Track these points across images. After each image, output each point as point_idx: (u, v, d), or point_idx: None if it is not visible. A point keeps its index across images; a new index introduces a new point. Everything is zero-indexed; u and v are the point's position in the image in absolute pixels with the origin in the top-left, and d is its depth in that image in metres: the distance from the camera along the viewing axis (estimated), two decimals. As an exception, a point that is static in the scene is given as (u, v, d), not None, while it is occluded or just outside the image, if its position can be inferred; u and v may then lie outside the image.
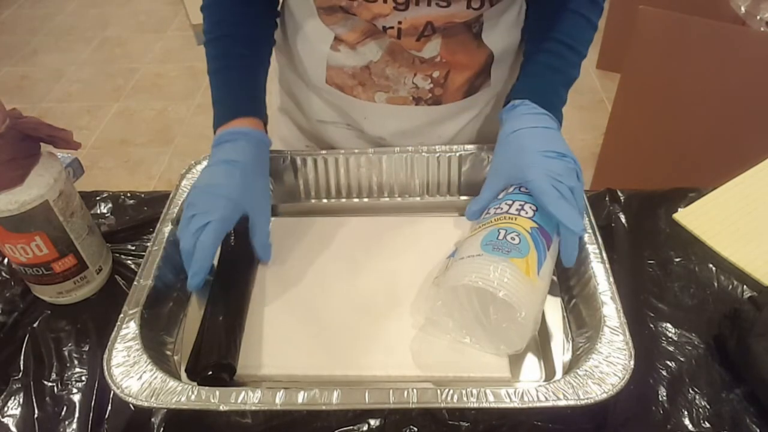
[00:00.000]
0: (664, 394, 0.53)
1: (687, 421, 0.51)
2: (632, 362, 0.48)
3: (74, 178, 0.84)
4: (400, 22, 0.62)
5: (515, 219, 0.53)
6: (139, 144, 2.20)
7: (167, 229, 0.61)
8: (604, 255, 0.57)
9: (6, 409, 0.55)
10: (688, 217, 0.70)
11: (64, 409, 0.54)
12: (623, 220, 0.70)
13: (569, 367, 0.52)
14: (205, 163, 0.69)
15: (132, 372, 0.49)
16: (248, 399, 0.46)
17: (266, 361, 0.53)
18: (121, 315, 0.53)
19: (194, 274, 0.54)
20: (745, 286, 0.62)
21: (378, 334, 0.55)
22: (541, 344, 0.56)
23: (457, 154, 0.69)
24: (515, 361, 0.53)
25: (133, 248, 0.70)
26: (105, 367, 0.49)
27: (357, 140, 0.77)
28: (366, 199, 0.72)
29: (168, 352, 0.55)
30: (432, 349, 0.54)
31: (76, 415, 0.54)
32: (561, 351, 0.55)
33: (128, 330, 0.52)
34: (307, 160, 0.70)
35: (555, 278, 0.61)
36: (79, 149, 0.60)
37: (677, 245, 0.67)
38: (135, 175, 2.06)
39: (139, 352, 0.50)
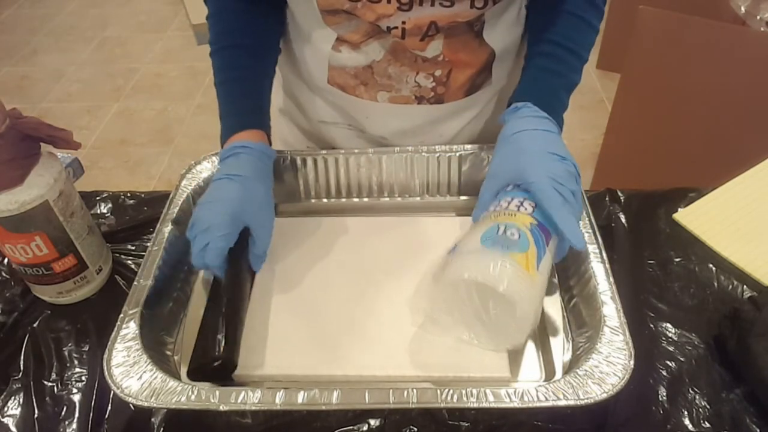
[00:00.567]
0: (664, 394, 0.53)
1: (687, 421, 0.51)
2: (632, 362, 0.48)
3: (74, 178, 0.84)
4: (404, 23, 0.62)
5: (514, 215, 0.52)
6: (139, 144, 2.20)
7: (167, 229, 0.61)
8: (604, 255, 0.57)
9: (6, 409, 0.55)
10: (688, 217, 0.70)
11: (64, 409, 0.54)
12: (623, 220, 0.70)
13: (569, 367, 0.52)
14: (205, 163, 0.70)
15: (132, 372, 0.49)
16: (248, 399, 0.46)
17: (266, 361, 0.53)
18: (121, 315, 0.53)
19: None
20: (745, 286, 0.62)
21: (378, 334, 0.55)
22: (541, 344, 0.56)
23: (457, 154, 0.69)
24: (515, 361, 0.53)
25: (133, 248, 0.70)
26: (105, 367, 0.49)
27: (358, 140, 0.77)
28: (366, 199, 0.72)
29: (168, 352, 0.55)
30: (432, 349, 0.54)
31: (76, 415, 0.54)
32: (561, 351, 0.55)
33: (128, 330, 0.52)
34: (307, 160, 0.70)
35: (555, 278, 0.61)
36: (79, 149, 0.60)
37: (677, 245, 0.67)
38: (135, 175, 2.06)
39: (139, 352, 0.50)
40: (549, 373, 0.53)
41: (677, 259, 0.66)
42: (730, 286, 0.63)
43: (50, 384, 0.56)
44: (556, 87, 0.63)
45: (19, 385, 0.56)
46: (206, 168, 0.69)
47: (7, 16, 3.08)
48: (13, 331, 0.61)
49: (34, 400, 0.55)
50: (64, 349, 0.59)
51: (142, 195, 0.77)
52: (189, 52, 2.71)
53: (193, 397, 0.47)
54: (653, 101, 1.43)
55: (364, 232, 0.65)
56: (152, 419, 0.53)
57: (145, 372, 0.49)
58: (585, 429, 0.51)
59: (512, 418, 0.51)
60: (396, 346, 0.54)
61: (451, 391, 0.46)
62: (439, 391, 0.46)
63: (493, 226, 0.51)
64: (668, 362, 0.56)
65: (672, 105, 1.39)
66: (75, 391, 0.56)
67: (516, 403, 0.46)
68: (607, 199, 0.73)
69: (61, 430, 0.53)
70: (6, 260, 0.68)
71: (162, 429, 0.52)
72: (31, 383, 0.56)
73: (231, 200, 0.56)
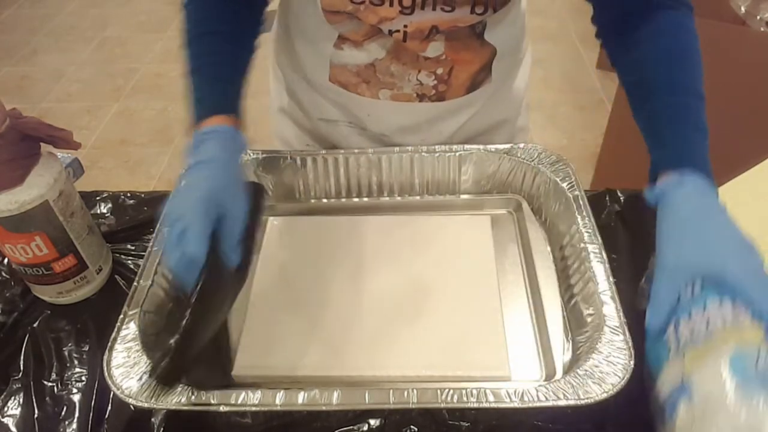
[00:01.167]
0: (664, 394, 0.53)
1: (687, 421, 0.51)
2: (632, 362, 0.48)
3: (74, 178, 0.84)
4: (405, 26, 0.62)
5: (744, 332, 0.40)
6: (139, 144, 2.20)
7: (167, 229, 0.61)
8: (604, 255, 0.57)
9: (6, 409, 0.55)
10: (688, 217, 0.70)
11: (64, 409, 0.54)
12: (623, 220, 0.70)
13: (569, 367, 0.52)
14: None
15: (132, 373, 0.49)
16: (248, 400, 0.46)
17: (266, 361, 0.54)
18: (121, 316, 0.53)
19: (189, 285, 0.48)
20: (745, 286, 0.62)
21: (378, 334, 0.55)
22: (541, 344, 0.56)
23: (457, 153, 0.69)
24: (515, 361, 0.53)
25: (133, 248, 0.70)
26: (105, 368, 0.49)
27: (359, 137, 0.77)
28: (366, 199, 0.72)
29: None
30: (432, 349, 0.54)
31: (76, 415, 0.54)
32: (561, 351, 0.55)
33: (128, 331, 0.52)
34: (307, 159, 0.70)
35: (555, 278, 0.61)
36: (79, 149, 0.60)
37: (677, 245, 0.67)
38: (135, 175, 2.06)
39: (139, 353, 0.50)
40: (549, 373, 0.53)
41: (677, 259, 0.66)
42: (730, 286, 0.63)
43: (50, 384, 0.56)
44: (704, 147, 0.54)
45: (19, 385, 0.56)
46: (206, 168, 0.69)
47: (7, 16, 3.08)
48: (13, 331, 0.61)
49: (34, 400, 0.55)
50: (64, 349, 0.59)
51: (142, 195, 0.77)
52: (189, 52, 2.70)
53: (193, 398, 0.47)
54: (653, 101, 1.42)
55: (364, 231, 0.65)
56: (152, 419, 0.53)
57: (145, 373, 0.49)
58: (585, 429, 0.51)
59: (512, 418, 0.51)
60: (396, 346, 0.54)
61: (452, 391, 0.46)
62: (439, 392, 0.46)
63: (736, 352, 0.38)
64: (668, 362, 0.56)
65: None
66: (75, 391, 0.56)
67: (516, 403, 0.46)
68: (607, 199, 0.73)
69: (61, 430, 0.53)
70: (6, 260, 0.68)
71: (162, 429, 0.52)
72: (31, 383, 0.56)
73: (202, 187, 0.50)
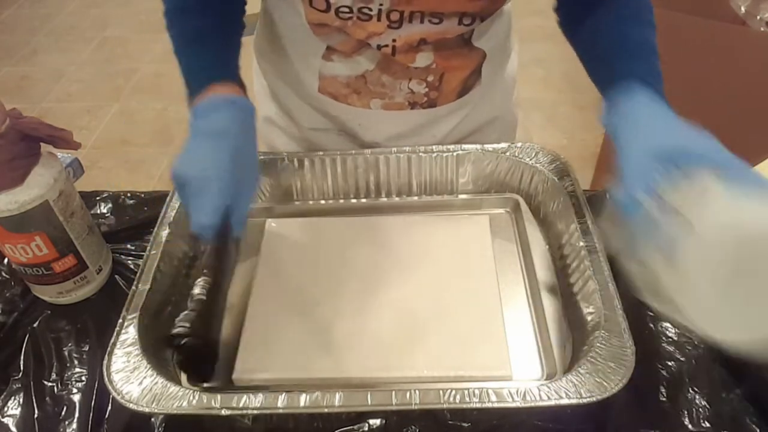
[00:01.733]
0: (664, 394, 0.53)
1: (687, 421, 0.51)
2: (633, 361, 0.48)
3: (74, 178, 0.84)
4: (394, 40, 0.62)
5: None
6: (139, 144, 2.20)
7: (165, 232, 0.61)
8: (604, 254, 0.57)
9: (6, 409, 0.55)
10: (688, 217, 0.70)
11: (64, 409, 0.54)
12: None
13: (570, 366, 0.52)
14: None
15: (132, 377, 0.49)
16: (250, 402, 0.46)
17: (266, 364, 0.53)
18: (120, 320, 0.53)
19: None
20: (745, 286, 0.62)
21: (378, 335, 0.55)
22: (541, 343, 0.56)
23: (455, 153, 0.69)
24: (516, 361, 0.53)
25: (133, 248, 0.70)
26: (105, 373, 0.49)
27: (350, 145, 0.76)
28: (364, 200, 0.72)
29: (168, 357, 0.55)
30: (432, 350, 0.54)
31: (76, 415, 0.54)
32: (562, 350, 0.55)
33: (127, 335, 0.52)
34: (304, 161, 0.70)
35: (554, 277, 0.61)
36: (79, 149, 0.60)
37: (677, 245, 0.67)
38: (135, 175, 2.06)
39: (139, 357, 0.50)
40: (550, 373, 0.53)
41: (677, 259, 0.66)
42: (730, 286, 0.63)
43: (50, 384, 0.56)
44: (657, 65, 0.57)
45: (19, 385, 0.56)
46: (206, 168, 0.69)
47: (7, 16, 3.08)
48: (13, 331, 0.61)
49: (34, 400, 0.55)
50: (64, 349, 0.59)
51: (142, 195, 0.77)
52: (189, 52, 2.70)
53: (194, 401, 0.47)
54: (653, 101, 1.42)
55: (363, 232, 0.65)
56: (152, 419, 0.53)
57: (145, 377, 0.49)
58: (585, 429, 0.51)
59: (513, 418, 0.51)
60: (396, 347, 0.54)
61: (454, 392, 0.46)
62: (441, 392, 0.46)
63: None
64: (668, 362, 0.56)
65: (672, 105, 1.39)
66: (75, 391, 0.56)
67: (518, 403, 0.46)
68: (607, 199, 0.73)
69: (61, 430, 0.53)
70: (6, 260, 0.68)
71: (162, 430, 0.52)
72: (31, 383, 0.56)
73: (223, 168, 0.50)
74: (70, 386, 0.56)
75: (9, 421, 0.54)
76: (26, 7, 3.16)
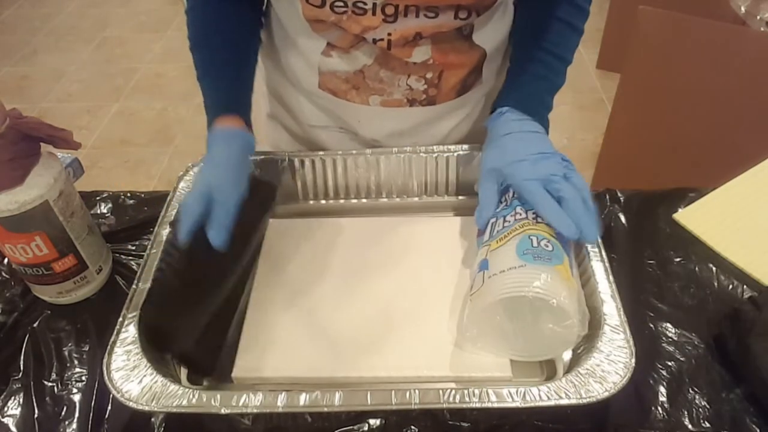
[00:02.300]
0: (664, 393, 0.53)
1: (687, 421, 0.51)
2: (633, 360, 0.48)
3: (74, 178, 0.84)
4: (389, 34, 0.62)
5: (537, 225, 0.53)
6: (139, 144, 2.20)
7: (165, 231, 0.61)
8: (604, 254, 0.57)
9: (6, 409, 0.55)
10: (688, 217, 0.70)
11: (64, 409, 0.54)
12: (623, 220, 0.70)
13: (570, 366, 0.52)
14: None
15: (132, 376, 0.49)
16: (250, 401, 0.46)
17: (266, 363, 0.53)
18: (120, 319, 0.53)
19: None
20: (745, 286, 0.62)
21: (378, 335, 0.55)
22: (541, 344, 0.56)
23: (455, 154, 0.69)
24: (516, 362, 0.53)
25: (133, 248, 0.70)
26: (105, 372, 0.49)
27: (350, 143, 0.76)
28: (364, 200, 0.72)
29: (167, 356, 0.55)
30: (432, 350, 0.54)
31: (76, 415, 0.54)
32: (561, 351, 0.55)
33: (127, 334, 0.52)
34: (305, 161, 0.70)
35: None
36: (79, 149, 0.60)
37: (677, 245, 0.67)
38: (135, 175, 2.06)
39: (139, 356, 0.50)
40: (550, 373, 0.53)
41: (677, 259, 0.66)
42: (730, 286, 0.63)
43: (50, 384, 0.56)
44: (541, 91, 0.65)
45: (19, 385, 0.56)
46: (206, 168, 0.69)
47: (7, 16, 3.08)
48: (13, 331, 0.61)
49: (34, 400, 0.55)
50: (64, 349, 0.59)
51: (142, 195, 0.77)
52: (189, 52, 2.70)
53: (194, 400, 0.47)
54: (653, 101, 1.42)
55: (363, 233, 0.65)
56: (152, 419, 0.53)
57: (145, 376, 0.49)
58: (585, 429, 0.51)
59: (513, 418, 0.51)
60: (396, 347, 0.54)
61: (454, 392, 0.46)
62: (441, 392, 0.46)
63: (524, 238, 0.51)
64: (668, 362, 0.56)
65: (672, 105, 1.39)
66: (75, 391, 0.56)
67: (518, 403, 0.46)
68: (607, 199, 0.73)
69: (61, 430, 0.53)
70: (6, 260, 0.68)
71: (162, 429, 0.52)
72: (31, 383, 0.56)
73: (200, 182, 0.55)
74: (70, 386, 0.56)
75: (9, 421, 0.54)
76: (26, 7, 3.16)
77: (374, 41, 0.63)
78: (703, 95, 1.31)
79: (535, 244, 0.51)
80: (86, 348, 0.59)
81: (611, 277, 0.54)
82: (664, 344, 0.57)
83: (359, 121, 0.73)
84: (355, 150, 0.69)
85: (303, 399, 0.46)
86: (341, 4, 0.59)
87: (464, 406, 0.46)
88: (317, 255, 0.63)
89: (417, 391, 0.46)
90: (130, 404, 0.47)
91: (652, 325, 0.59)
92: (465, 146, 0.69)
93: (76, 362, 0.58)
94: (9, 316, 0.62)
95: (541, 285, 0.47)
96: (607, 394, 0.46)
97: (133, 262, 0.68)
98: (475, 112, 0.75)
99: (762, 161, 0.76)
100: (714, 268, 0.65)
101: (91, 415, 0.54)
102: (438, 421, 0.52)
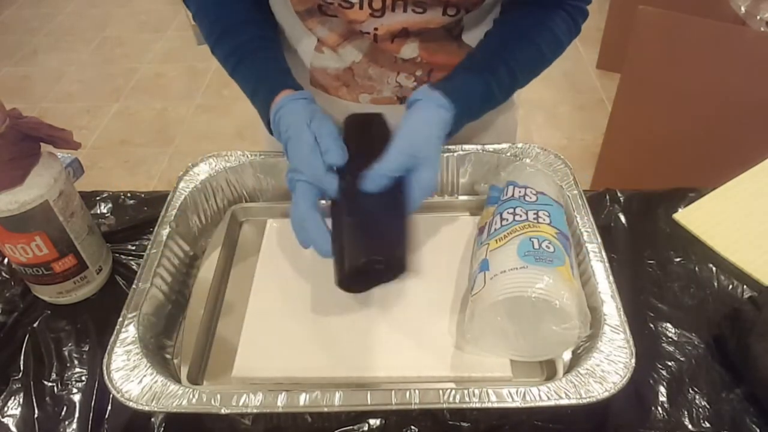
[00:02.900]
0: (664, 394, 0.53)
1: (687, 421, 0.51)
2: (633, 360, 0.48)
3: (74, 178, 0.84)
4: (376, 29, 0.62)
5: (538, 226, 0.53)
6: (139, 144, 2.20)
7: (165, 231, 0.61)
8: (604, 254, 0.57)
9: (6, 409, 0.55)
10: (688, 217, 0.70)
11: (64, 409, 0.54)
12: (623, 220, 0.70)
13: (570, 367, 0.52)
14: (202, 165, 0.69)
15: (132, 376, 0.49)
16: (250, 401, 0.46)
17: (266, 363, 0.53)
18: (120, 319, 0.53)
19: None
20: (745, 286, 0.62)
21: (378, 335, 0.55)
22: (541, 344, 0.56)
23: (455, 154, 0.69)
24: (516, 361, 0.53)
25: (133, 248, 0.70)
26: (105, 372, 0.49)
27: None
28: (366, 199, 0.72)
29: (167, 356, 0.55)
30: (432, 350, 0.54)
31: (76, 415, 0.54)
32: (561, 351, 0.55)
33: (127, 334, 0.52)
34: (307, 160, 0.69)
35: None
36: (79, 149, 0.60)
37: (677, 245, 0.67)
38: (135, 175, 2.06)
39: (139, 356, 0.50)
40: (550, 373, 0.53)
41: (677, 259, 0.66)
42: (730, 286, 0.63)
43: (50, 384, 0.56)
44: (482, 104, 0.63)
45: (19, 385, 0.56)
46: (204, 170, 0.69)
47: (7, 16, 3.08)
48: (13, 331, 0.61)
49: (34, 400, 0.55)
50: (64, 349, 0.59)
51: (142, 195, 0.77)
52: (189, 52, 2.71)
53: (194, 400, 0.47)
54: (653, 101, 1.43)
55: (364, 232, 0.65)
56: (152, 419, 0.53)
57: (145, 376, 0.49)
58: (585, 429, 0.51)
59: (513, 418, 0.51)
60: (396, 347, 0.54)
61: (454, 392, 0.46)
62: (441, 392, 0.46)
63: (524, 240, 0.52)
64: (668, 362, 0.56)
65: (672, 105, 1.39)
66: (75, 391, 0.56)
67: (518, 403, 0.46)
68: (607, 199, 0.73)
69: (61, 430, 0.53)
70: (6, 260, 0.68)
71: (162, 429, 0.52)
72: (31, 383, 0.56)
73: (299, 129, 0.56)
74: (70, 386, 0.56)
75: (9, 421, 0.54)
76: (26, 7, 3.16)
77: (361, 33, 0.63)
78: (702, 95, 1.31)
79: (536, 246, 0.51)
80: (86, 348, 0.59)
81: (611, 277, 0.54)
82: (664, 344, 0.57)
83: None
84: None
85: (303, 399, 0.46)
86: None
87: (464, 406, 0.46)
88: (317, 255, 0.63)
89: (417, 391, 0.46)
90: (130, 404, 0.47)
91: (652, 325, 0.59)
92: (465, 146, 0.69)
93: (76, 362, 0.58)
94: (9, 316, 0.62)
95: (543, 286, 0.48)
96: (607, 394, 0.46)
97: (133, 262, 0.68)
98: None
99: (762, 161, 0.76)
100: (714, 268, 0.65)
101: (91, 415, 0.54)
102: (438, 421, 0.52)
